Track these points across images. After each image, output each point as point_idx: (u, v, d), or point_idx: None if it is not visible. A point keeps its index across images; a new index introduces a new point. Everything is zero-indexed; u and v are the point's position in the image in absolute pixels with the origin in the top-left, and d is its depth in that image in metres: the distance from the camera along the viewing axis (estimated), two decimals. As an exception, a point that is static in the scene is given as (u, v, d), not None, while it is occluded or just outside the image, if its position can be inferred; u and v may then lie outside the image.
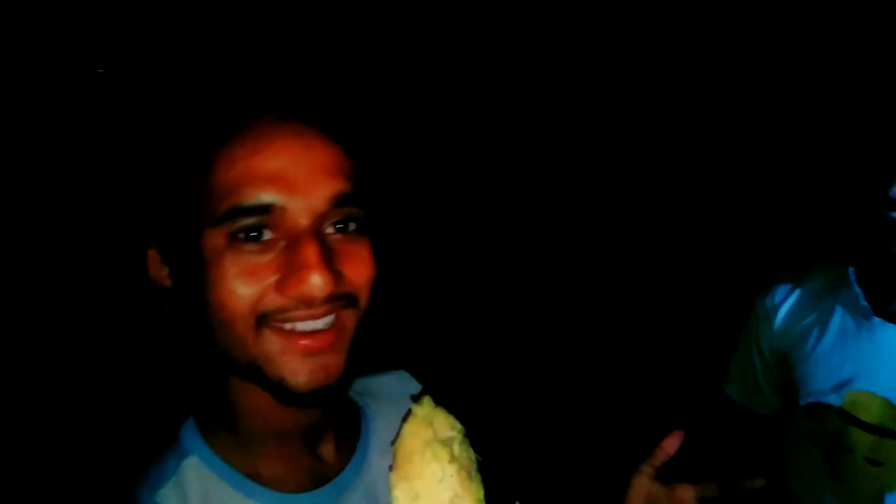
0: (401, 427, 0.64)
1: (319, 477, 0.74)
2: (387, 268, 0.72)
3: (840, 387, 1.23)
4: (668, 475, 0.89)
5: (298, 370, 0.64)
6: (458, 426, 0.64)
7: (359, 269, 0.68)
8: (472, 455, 0.64)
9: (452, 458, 0.60)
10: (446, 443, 0.61)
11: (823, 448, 1.26)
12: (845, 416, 1.21)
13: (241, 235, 0.64)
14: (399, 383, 0.91)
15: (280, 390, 0.66)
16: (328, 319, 0.65)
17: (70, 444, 1.67)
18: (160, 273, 0.72)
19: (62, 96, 1.97)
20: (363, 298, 0.69)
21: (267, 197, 0.63)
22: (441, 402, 0.79)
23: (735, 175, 2.65)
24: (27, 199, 1.99)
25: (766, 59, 2.40)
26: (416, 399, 0.67)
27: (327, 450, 0.76)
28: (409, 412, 0.65)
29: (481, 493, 0.62)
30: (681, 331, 2.74)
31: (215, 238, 0.64)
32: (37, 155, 1.99)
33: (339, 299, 0.66)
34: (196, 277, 0.66)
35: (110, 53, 1.95)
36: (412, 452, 0.61)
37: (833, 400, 1.23)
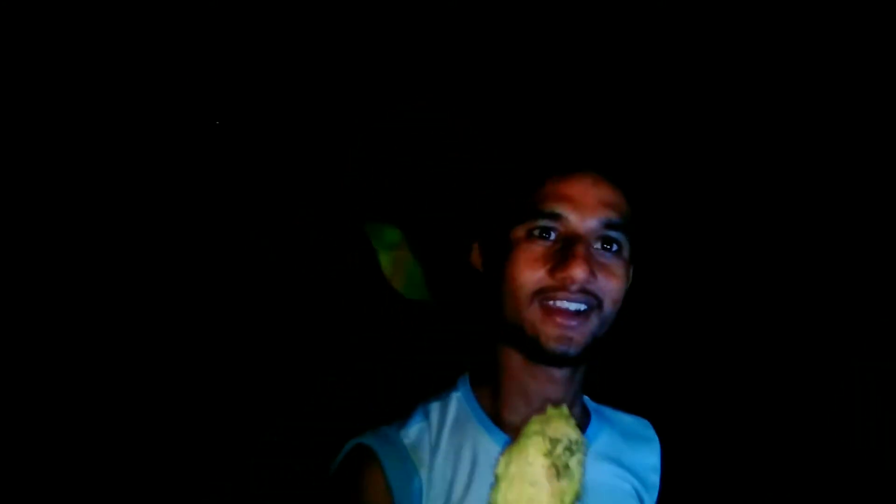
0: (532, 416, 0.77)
1: None
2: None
3: None
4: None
5: (550, 334, 0.90)
6: (574, 437, 0.74)
7: (609, 279, 0.92)
8: (575, 467, 0.73)
9: (548, 454, 0.71)
10: (552, 441, 0.72)
11: None
12: None
13: (536, 232, 0.92)
14: (637, 425, 1.12)
15: (533, 346, 0.92)
16: (579, 306, 0.90)
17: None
18: (478, 261, 1.05)
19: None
20: (607, 304, 0.92)
21: (559, 209, 0.92)
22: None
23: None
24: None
25: None
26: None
27: None
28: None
29: (567, 497, 0.71)
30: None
31: (519, 231, 0.94)
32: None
33: (589, 295, 0.90)
34: (501, 260, 0.96)
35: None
36: (523, 436, 0.74)
37: None
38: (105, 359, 2.46)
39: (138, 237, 2.50)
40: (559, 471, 0.71)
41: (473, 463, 0.93)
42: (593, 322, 0.92)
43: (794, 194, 2.49)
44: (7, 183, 2.27)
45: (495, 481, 0.73)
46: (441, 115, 2.58)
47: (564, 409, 0.77)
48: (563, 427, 0.74)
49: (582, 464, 0.74)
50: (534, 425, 0.74)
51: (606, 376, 1.23)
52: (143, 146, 2.45)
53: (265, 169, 2.61)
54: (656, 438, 1.13)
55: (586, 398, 1.11)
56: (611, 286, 0.92)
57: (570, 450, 0.72)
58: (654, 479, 1.09)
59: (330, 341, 2.63)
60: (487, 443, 0.95)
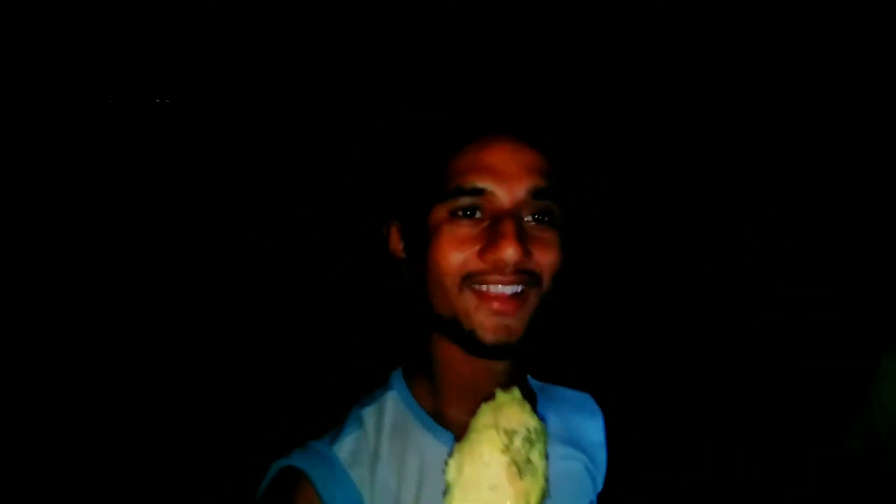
0: (481, 406, 0.68)
1: None
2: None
3: None
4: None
5: (487, 325, 0.80)
6: (533, 425, 0.65)
7: (545, 254, 0.82)
8: (538, 460, 0.64)
9: (506, 450, 0.63)
10: (507, 433, 0.63)
11: None
12: None
13: (459, 213, 0.82)
14: (581, 401, 1.04)
15: (470, 341, 0.81)
16: (515, 289, 0.80)
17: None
18: (398, 247, 0.92)
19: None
20: (546, 280, 0.82)
21: (482, 183, 0.81)
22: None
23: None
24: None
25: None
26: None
27: None
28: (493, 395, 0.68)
29: (532, 497, 0.63)
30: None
31: (440, 213, 0.83)
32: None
33: (526, 274, 0.80)
34: (423, 244, 0.85)
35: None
36: (473, 430, 0.65)
37: None
38: (105, 359, 2.46)
39: (139, 237, 2.50)
40: (520, 468, 0.62)
41: (420, 470, 0.83)
42: (532, 303, 0.81)
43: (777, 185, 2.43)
44: (6, 183, 2.28)
45: (447, 489, 0.63)
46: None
47: (516, 392, 0.67)
48: (517, 415, 0.64)
49: (544, 455, 0.64)
50: (484, 417, 0.65)
51: (549, 353, 1.16)
52: (144, 147, 2.46)
53: (265, 169, 2.60)
54: (599, 411, 1.04)
55: (529, 377, 1.02)
56: (548, 260, 0.82)
57: (529, 441, 0.63)
58: (602, 455, 1.01)
59: (330, 341, 2.61)
60: (433, 445, 0.85)
